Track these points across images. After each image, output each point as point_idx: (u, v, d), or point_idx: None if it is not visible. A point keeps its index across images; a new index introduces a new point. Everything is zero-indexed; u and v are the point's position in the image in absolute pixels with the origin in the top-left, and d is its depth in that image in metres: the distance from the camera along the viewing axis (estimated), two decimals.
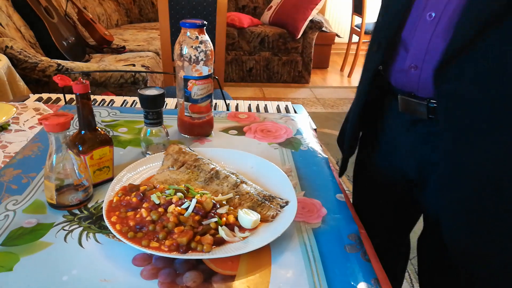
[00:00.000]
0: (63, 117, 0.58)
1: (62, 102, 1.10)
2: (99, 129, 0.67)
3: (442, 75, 0.59)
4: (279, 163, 0.80)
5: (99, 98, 1.19)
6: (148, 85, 2.16)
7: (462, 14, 0.56)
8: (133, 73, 1.91)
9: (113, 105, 1.15)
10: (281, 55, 3.57)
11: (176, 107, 1.14)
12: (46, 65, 1.80)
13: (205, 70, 0.83)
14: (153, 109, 0.76)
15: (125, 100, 1.19)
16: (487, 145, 0.58)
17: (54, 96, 1.15)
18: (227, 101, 1.15)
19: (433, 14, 0.61)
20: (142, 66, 2.32)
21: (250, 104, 1.21)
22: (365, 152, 0.88)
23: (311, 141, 0.91)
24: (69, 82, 0.61)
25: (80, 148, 0.64)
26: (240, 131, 0.94)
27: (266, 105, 1.22)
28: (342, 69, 4.16)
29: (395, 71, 0.69)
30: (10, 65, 1.62)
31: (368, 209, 0.85)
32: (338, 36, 4.07)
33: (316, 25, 3.48)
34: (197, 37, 0.80)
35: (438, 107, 0.62)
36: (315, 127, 1.05)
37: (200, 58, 0.81)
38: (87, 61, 2.40)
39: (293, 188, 0.68)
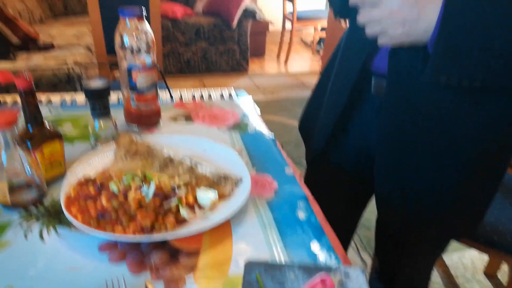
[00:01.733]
0: (9, 113, 0.57)
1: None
2: (46, 123, 0.66)
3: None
4: (229, 145, 0.84)
5: None
6: (83, 82, 2.08)
7: None
8: (67, 71, 1.83)
9: (52, 103, 1.11)
10: (218, 44, 3.58)
11: (118, 101, 1.13)
12: None
13: (148, 59, 0.84)
14: (100, 100, 0.76)
15: (63, 100, 1.15)
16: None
17: None
18: (171, 92, 1.16)
19: None
20: (75, 63, 2.23)
21: (194, 94, 1.22)
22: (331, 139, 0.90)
23: (257, 124, 0.96)
24: (11, 78, 0.59)
25: (29, 144, 0.63)
26: (189, 118, 0.96)
27: (209, 93, 1.24)
28: (278, 56, 4.26)
29: (381, 55, 0.71)
30: None
31: (323, 192, 0.86)
32: (271, 23, 4.16)
33: (249, 14, 3.53)
34: (137, 26, 0.81)
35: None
36: (259, 113, 1.10)
37: (142, 48, 0.82)
38: (12, 61, 2.25)
39: (245, 165, 0.72)
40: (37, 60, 2.28)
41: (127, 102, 0.87)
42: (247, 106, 1.05)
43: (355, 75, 0.76)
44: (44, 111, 0.95)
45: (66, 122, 0.90)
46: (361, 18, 0.62)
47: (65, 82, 1.80)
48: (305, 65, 4.14)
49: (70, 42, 2.65)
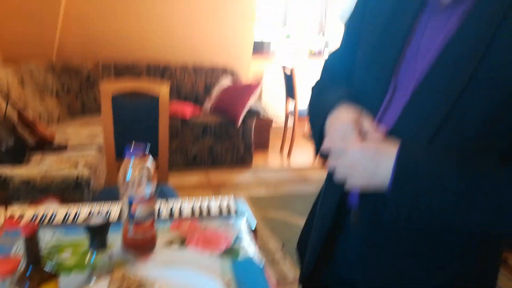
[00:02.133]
0: (12, 261, 0.62)
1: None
2: (45, 264, 0.71)
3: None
4: (219, 275, 0.87)
5: (40, 210, 1.21)
6: (91, 186, 2.17)
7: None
8: (76, 177, 1.93)
9: (55, 218, 1.16)
10: (224, 140, 3.75)
11: (119, 218, 1.18)
12: None
13: (148, 191, 0.91)
14: (98, 235, 0.81)
15: (67, 213, 1.21)
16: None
17: None
18: (171, 205, 1.23)
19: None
20: (85, 165, 2.35)
21: (193, 204, 1.28)
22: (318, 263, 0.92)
23: (249, 248, 1.00)
24: (17, 225, 0.66)
25: (27, 286, 0.67)
26: (183, 243, 1.00)
27: (208, 205, 1.29)
28: (281, 150, 4.41)
29: (353, 193, 0.78)
30: None
31: None
32: (275, 122, 4.39)
33: (254, 113, 3.75)
34: (140, 164, 0.89)
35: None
36: (254, 228, 1.14)
37: (142, 181, 0.89)
38: (26, 163, 2.38)
39: None
40: (50, 162, 2.41)
41: (125, 231, 0.93)
42: (242, 226, 1.10)
43: (335, 206, 0.82)
44: (48, 236, 1.00)
45: (66, 248, 0.94)
46: (330, 164, 0.70)
47: (73, 187, 1.90)
48: (307, 158, 4.26)
49: (83, 142, 2.81)
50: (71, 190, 1.91)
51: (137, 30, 3.97)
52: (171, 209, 1.22)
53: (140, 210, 0.90)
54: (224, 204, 1.29)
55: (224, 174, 3.67)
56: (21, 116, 2.67)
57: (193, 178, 3.54)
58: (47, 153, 2.61)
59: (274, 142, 4.62)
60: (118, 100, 2.09)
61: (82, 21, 3.75)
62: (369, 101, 0.75)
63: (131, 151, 0.88)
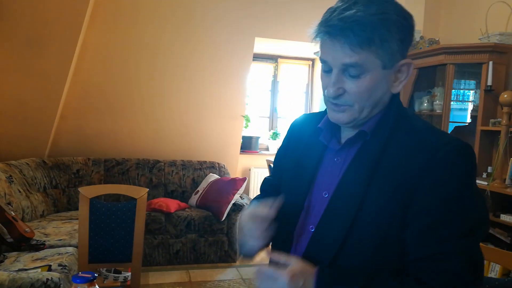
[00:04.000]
0: None
1: None
2: None
3: None
4: None
5: None
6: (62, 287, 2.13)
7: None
8: (45, 280, 1.91)
9: None
10: (207, 236, 3.73)
11: None
12: None
13: None
14: None
15: None
16: None
17: None
18: None
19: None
20: (59, 265, 2.32)
21: None
22: None
23: None
24: None
25: None
26: None
27: None
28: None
29: None
30: None
31: None
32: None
33: (238, 207, 3.78)
34: None
35: None
36: None
37: None
38: (0, 262, 2.35)
39: None
40: (24, 261, 2.39)
41: None
42: None
43: None
44: None
45: None
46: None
47: None
48: None
49: (62, 240, 2.81)
50: None
51: (129, 129, 4.18)
52: None
53: None
54: None
55: (206, 272, 3.58)
56: (2, 212, 2.71)
57: (173, 276, 3.45)
58: (23, 250, 2.59)
59: None
60: (96, 203, 2.15)
61: (77, 120, 3.97)
62: (289, 219, 0.91)
63: (77, 279, 0.92)
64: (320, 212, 0.86)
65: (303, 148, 0.95)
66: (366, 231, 0.79)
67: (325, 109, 0.91)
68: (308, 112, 1.04)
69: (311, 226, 0.87)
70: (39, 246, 2.63)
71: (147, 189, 2.21)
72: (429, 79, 3.49)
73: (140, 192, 2.19)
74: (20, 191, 3.24)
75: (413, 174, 0.78)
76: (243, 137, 4.84)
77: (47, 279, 1.96)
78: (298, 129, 1.02)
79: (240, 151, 4.77)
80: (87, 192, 2.14)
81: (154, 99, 4.13)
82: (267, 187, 1.11)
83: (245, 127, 5.00)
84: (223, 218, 3.73)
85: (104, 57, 3.83)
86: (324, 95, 0.86)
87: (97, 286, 0.94)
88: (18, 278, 1.88)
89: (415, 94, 3.50)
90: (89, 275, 0.93)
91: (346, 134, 0.89)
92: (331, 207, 0.84)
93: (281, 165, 1.03)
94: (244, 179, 3.94)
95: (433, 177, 0.77)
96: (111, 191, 2.17)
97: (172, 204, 3.75)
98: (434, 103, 3.32)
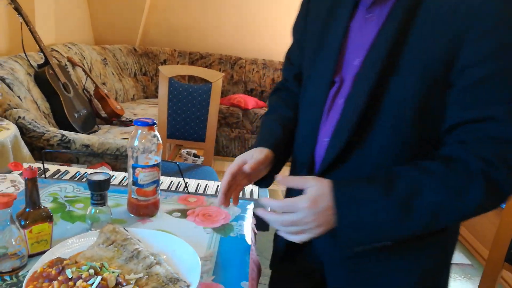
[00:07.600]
0: (7, 197, 0.71)
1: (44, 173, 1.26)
2: (42, 207, 0.80)
3: None
4: (204, 247, 0.90)
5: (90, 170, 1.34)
6: None
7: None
8: None
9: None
10: None
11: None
12: (51, 135, 2.01)
13: (153, 160, 0.97)
14: (97, 192, 0.89)
15: (113, 175, 1.32)
16: None
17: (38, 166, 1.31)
18: (197, 183, 1.29)
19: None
20: None
21: (218, 185, 1.33)
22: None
23: (243, 228, 1.01)
24: (21, 168, 0.75)
25: (22, 223, 0.77)
26: (184, 213, 1.05)
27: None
28: None
29: None
30: (18, 134, 1.83)
31: None
32: None
33: None
34: (146, 134, 0.96)
35: None
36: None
37: (146, 150, 0.96)
38: (95, 132, 2.63)
39: (201, 273, 0.77)
40: (113, 133, 2.64)
41: (129, 193, 1.00)
42: (249, 207, 1.11)
43: None
44: (69, 189, 1.12)
45: (79, 203, 1.04)
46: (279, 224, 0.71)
47: (125, 156, 2.06)
48: None
49: None
50: (122, 159, 2.07)
51: (213, 24, 4.14)
52: (186, 187, 1.27)
53: (142, 175, 0.97)
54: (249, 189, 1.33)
55: None
56: (97, 89, 2.96)
57: None
58: (114, 125, 2.86)
59: None
60: (174, 83, 2.22)
61: (165, 13, 4.03)
62: (316, 98, 0.79)
63: (138, 122, 0.95)
64: (349, 84, 0.74)
65: (327, 11, 0.79)
66: (404, 88, 0.67)
67: None
68: None
69: (342, 100, 0.75)
70: (127, 122, 2.88)
71: (223, 74, 2.20)
72: None
73: (215, 76, 2.20)
74: (113, 74, 3.49)
75: (460, 20, 0.62)
76: None
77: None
78: None
79: None
80: (167, 71, 2.21)
81: None
82: (289, 75, 0.98)
83: None
84: None
85: None
86: None
87: (156, 131, 0.97)
88: (106, 143, 2.08)
89: None
90: (149, 120, 0.95)
91: None
92: (361, 74, 0.71)
93: (301, 39, 0.88)
94: None
95: (486, 21, 0.61)
96: (188, 73, 2.21)
97: (250, 101, 3.78)
98: None
